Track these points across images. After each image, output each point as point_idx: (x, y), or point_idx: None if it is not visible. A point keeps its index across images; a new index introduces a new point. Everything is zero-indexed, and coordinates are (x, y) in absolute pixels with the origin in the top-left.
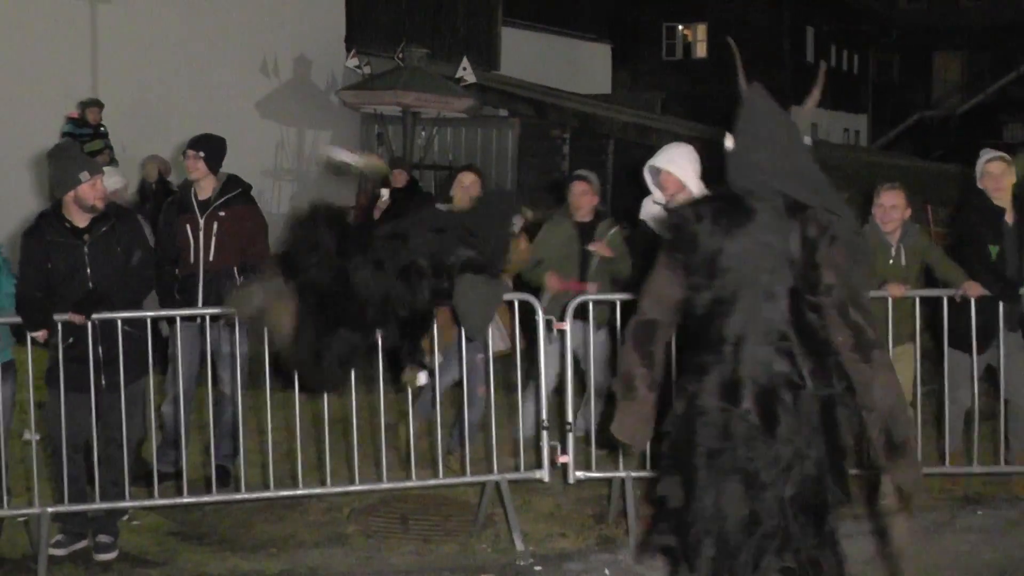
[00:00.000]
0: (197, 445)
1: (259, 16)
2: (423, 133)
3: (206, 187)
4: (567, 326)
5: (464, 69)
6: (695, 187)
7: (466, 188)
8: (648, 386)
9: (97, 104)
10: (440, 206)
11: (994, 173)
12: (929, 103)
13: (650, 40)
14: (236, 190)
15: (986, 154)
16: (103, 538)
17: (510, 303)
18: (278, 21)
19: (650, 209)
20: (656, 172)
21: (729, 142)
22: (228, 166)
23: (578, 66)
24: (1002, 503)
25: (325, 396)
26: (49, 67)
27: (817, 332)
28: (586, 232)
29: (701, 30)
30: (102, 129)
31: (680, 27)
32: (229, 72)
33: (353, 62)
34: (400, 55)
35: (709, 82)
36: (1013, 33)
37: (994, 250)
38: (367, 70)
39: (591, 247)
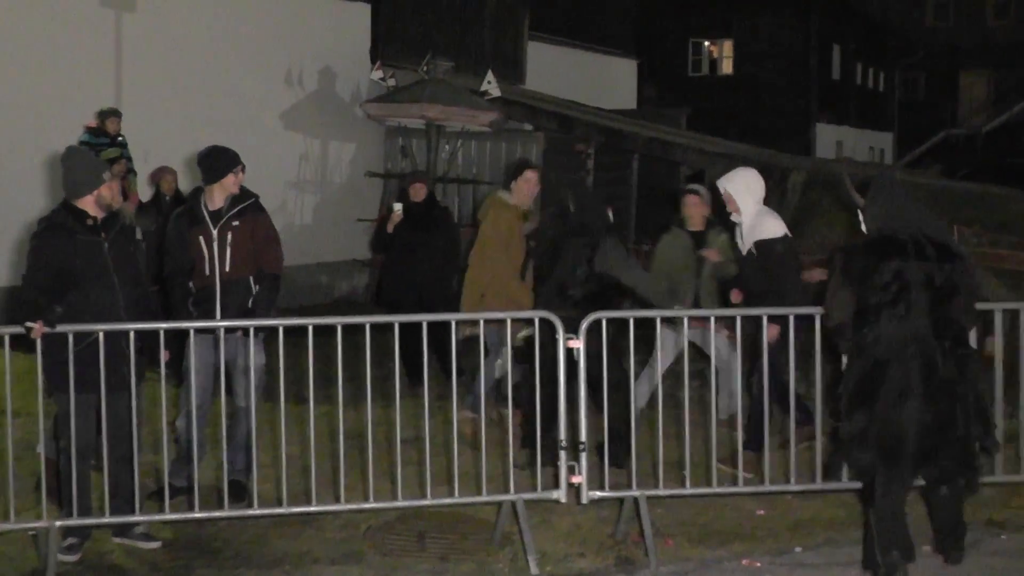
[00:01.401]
0: (211, 459)
1: (285, 27)
2: (447, 147)
3: (218, 198)
4: (580, 343)
5: (489, 83)
6: (749, 208)
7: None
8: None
9: (115, 114)
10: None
11: None
12: (955, 121)
13: (676, 56)
14: (249, 200)
15: None
16: (140, 528)
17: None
18: (304, 33)
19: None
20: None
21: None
22: (253, 177)
23: (604, 81)
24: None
25: (340, 410)
26: (73, 76)
27: (946, 328)
28: (699, 241)
29: (727, 46)
30: (120, 139)
31: (706, 43)
32: (254, 83)
33: (378, 74)
34: (425, 68)
35: (734, 98)
36: None
37: None
38: (392, 82)
39: (703, 253)
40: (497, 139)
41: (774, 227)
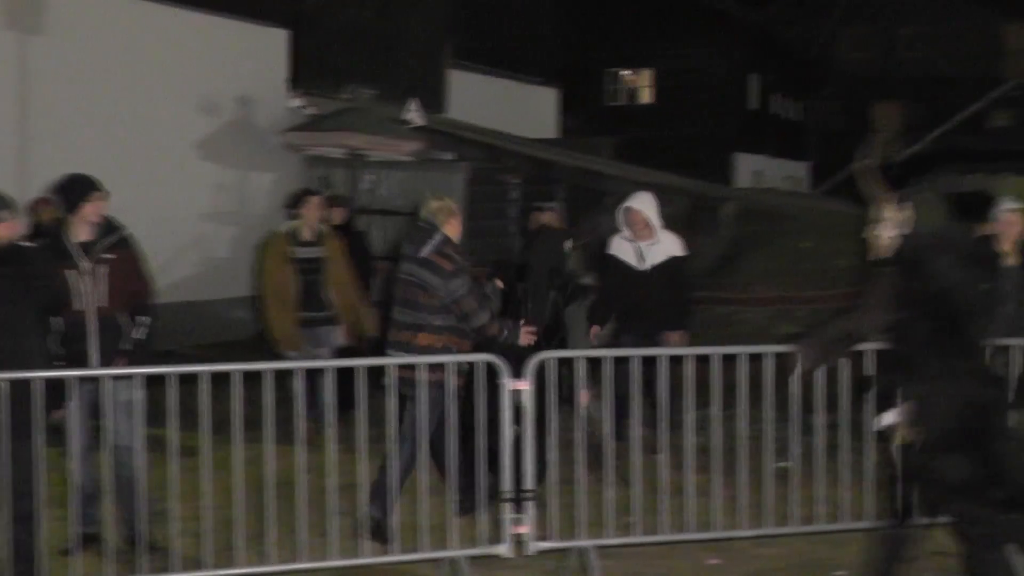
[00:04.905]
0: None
1: (200, 53)
2: (369, 177)
3: (81, 230)
4: (527, 386)
5: (412, 111)
6: (657, 225)
7: None
8: None
9: None
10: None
11: None
12: (870, 151)
13: (595, 85)
14: (119, 232)
15: None
16: None
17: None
18: (220, 59)
19: (618, 244)
20: (627, 211)
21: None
22: (168, 208)
23: (525, 110)
24: None
25: (270, 455)
26: None
27: None
28: None
29: (646, 76)
30: None
31: (625, 72)
32: (168, 110)
33: (297, 102)
34: (347, 96)
35: (654, 128)
36: (949, 84)
37: None
38: (312, 111)
39: None
40: (420, 169)
41: (681, 245)
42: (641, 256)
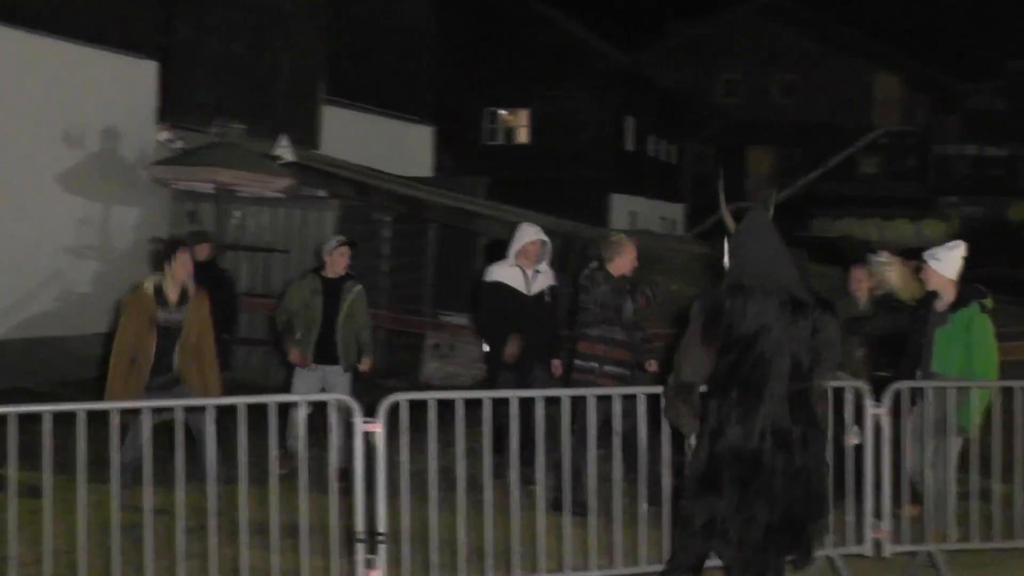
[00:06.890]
0: None
1: (65, 84)
2: (237, 213)
3: None
4: (379, 428)
5: (283, 147)
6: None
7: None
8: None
9: None
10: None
11: None
12: (743, 195)
13: (472, 124)
14: None
15: None
16: None
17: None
18: (85, 89)
19: (506, 271)
20: (533, 244)
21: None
22: (28, 241)
23: (400, 148)
24: None
25: (116, 496)
26: None
27: (802, 409)
28: (336, 287)
29: (523, 116)
30: None
31: (502, 112)
32: (29, 140)
33: (165, 136)
34: (216, 130)
35: (531, 167)
36: (822, 131)
37: None
38: (180, 145)
39: None
40: (290, 206)
41: (554, 276)
42: (528, 283)
